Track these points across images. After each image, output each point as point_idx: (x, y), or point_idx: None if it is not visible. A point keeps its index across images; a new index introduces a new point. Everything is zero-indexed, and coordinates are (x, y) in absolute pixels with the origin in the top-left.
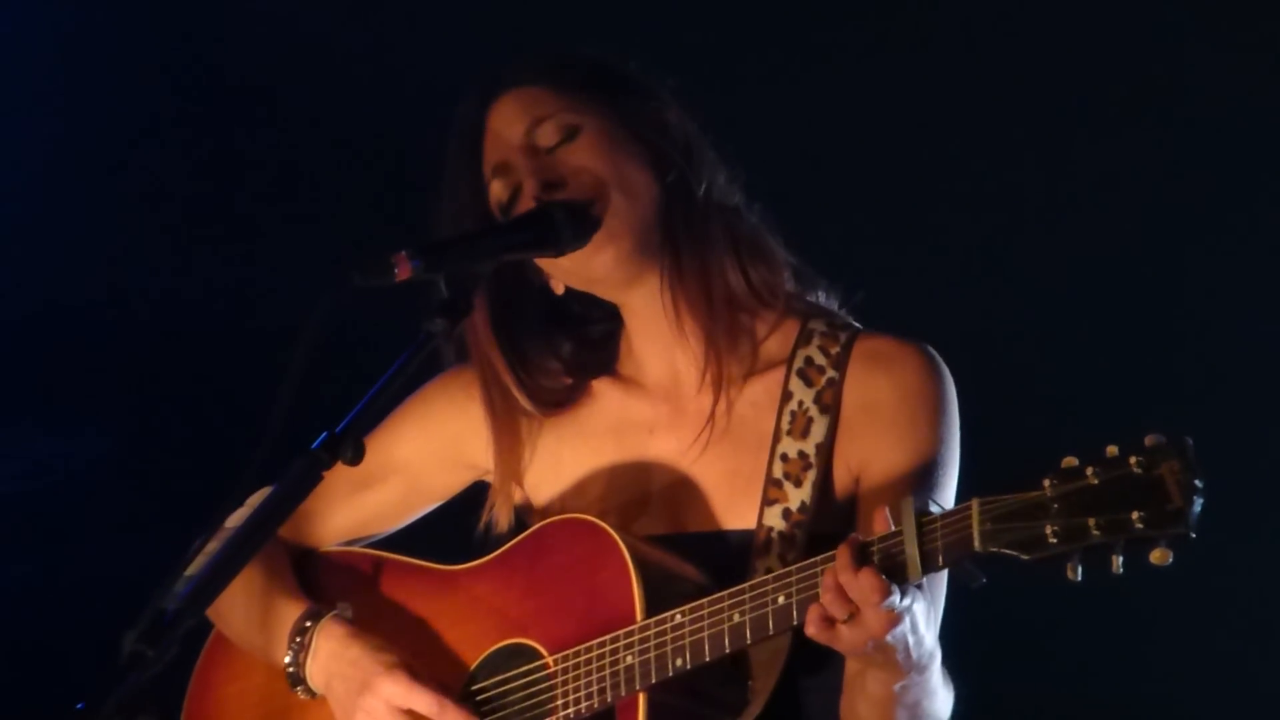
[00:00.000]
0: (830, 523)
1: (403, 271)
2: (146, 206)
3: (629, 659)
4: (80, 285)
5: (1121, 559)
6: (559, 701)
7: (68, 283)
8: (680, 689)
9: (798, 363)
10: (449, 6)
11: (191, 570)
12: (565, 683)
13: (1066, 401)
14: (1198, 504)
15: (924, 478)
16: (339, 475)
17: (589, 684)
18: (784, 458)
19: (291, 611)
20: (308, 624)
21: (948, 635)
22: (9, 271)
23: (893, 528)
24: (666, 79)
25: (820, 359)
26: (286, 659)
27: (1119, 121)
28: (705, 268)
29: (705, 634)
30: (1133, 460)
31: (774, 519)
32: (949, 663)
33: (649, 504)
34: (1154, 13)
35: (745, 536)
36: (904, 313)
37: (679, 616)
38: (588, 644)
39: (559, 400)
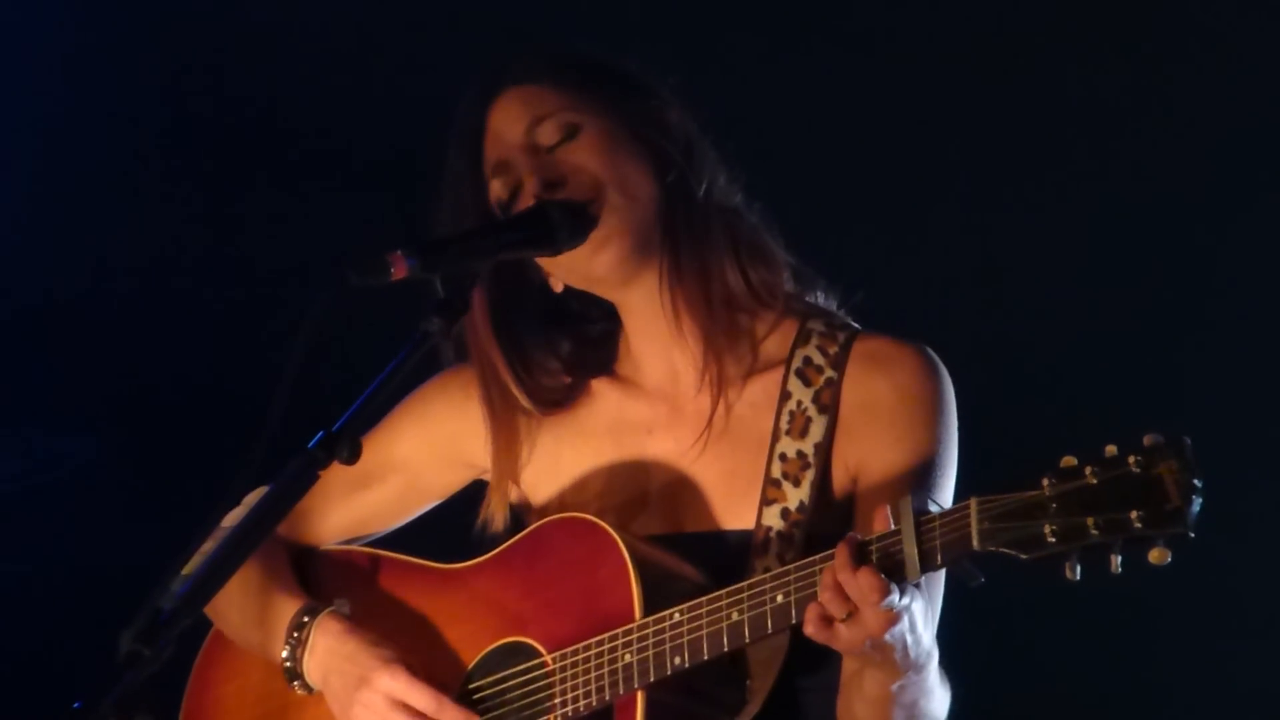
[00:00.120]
0: (828, 522)
1: (398, 270)
2: (145, 206)
3: (627, 657)
4: (76, 284)
5: (1120, 558)
6: (557, 700)
7: (64, 282)
8: (679, 688)
9: (796, 362)
10: (450, 6)
11: (188, 569)
12: (564, 681)
13: (1065, 401)
14: (1196, 504)
15: (922, 478)
16: (337, 474)
17: (587, 682)
18: (782, 457)
19: (289, 607)
20: (305, 619)
21: (945, 635)
22: (4, 270)
23: (892, 527)
24: (668, 78)
25: (819, 359)
26: (284, 654)
27: (1119, 121)
28: (704, 268)
29: (704, 633)
30: (1131, 460)
31: (772, 519)
32: (946, 662)
33: (647, 504)
34: (1155, 12)
35: (744, 536)
36: (902, 313)
37: (677, 615)
38: (586, 642)
39: (557, 399)
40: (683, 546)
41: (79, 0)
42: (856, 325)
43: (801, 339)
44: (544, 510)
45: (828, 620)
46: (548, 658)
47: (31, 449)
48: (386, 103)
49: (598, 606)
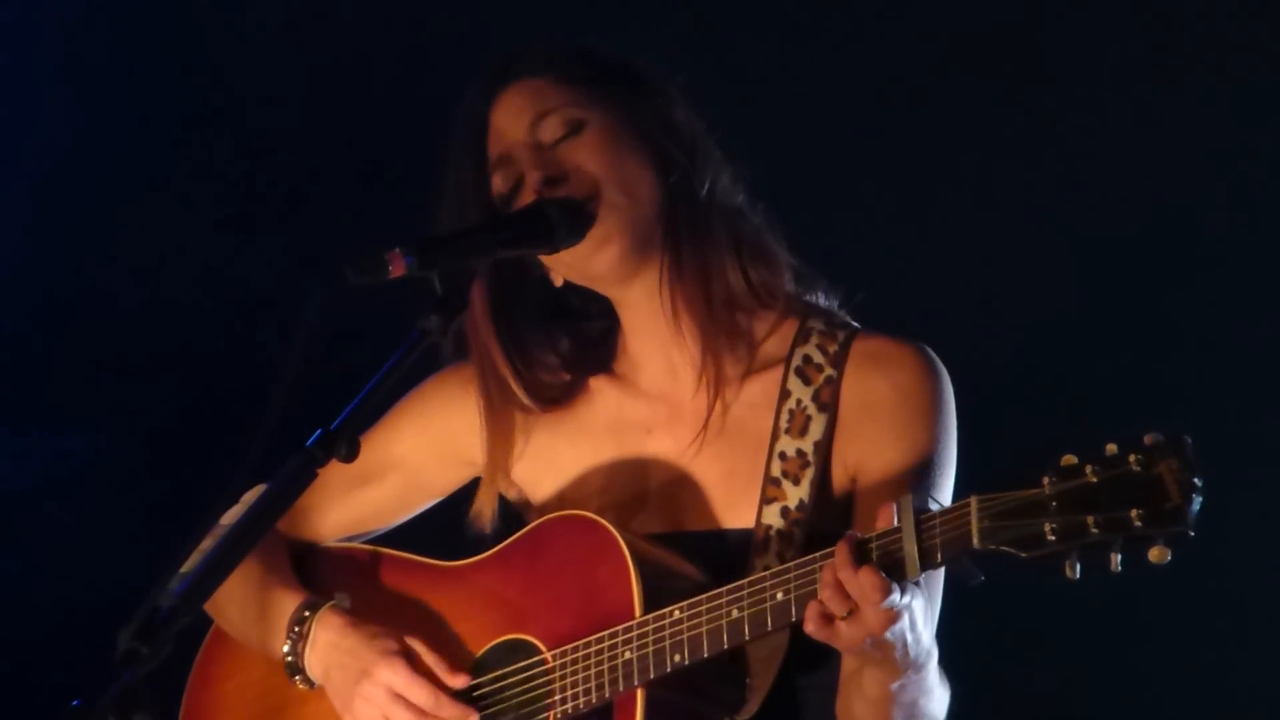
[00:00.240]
0: (828, 521)
1: (396, 268)
2: (144, 206)
3: (627, 654)
4: (76, 283)
5: (1120, 557)
6: (557, 696)
7: (64, 281)
8: (678, 685)
9: (796, 361)
10: (452, 4)
11: (186, 567)
12: (564, 678)
13: (1065, 400)
14: (1196, 502)
15: (921, 476)
16: (337, 471)
17: (587, 679)
18: (782, 456)
19: (290, 603)
20: (306, 614)
21: (944, 634)
22: (6, 270)
23: (894, 524)
24: (675, 75)
25: (818, 357)
26: (285, 649)
27: (1120, 119)
28: (705, 268)
29: (704, 630)
30: (1132, 458)
31: (772, 517)
32: (945, 661)
33: (647, 502)
34: (1154, 11)
35: (744, 535)
36: (902, 312)
37: (677, 612)
38: (586, 639)
39: (555, 396)
40: (683, 545)
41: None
42: (856, 324)
43: (801, 337)
44: (544, 508)
45: (828, 618)
46: (548, 655)
47: (34, 446)
48: (389, 100)
49: (598, 604)
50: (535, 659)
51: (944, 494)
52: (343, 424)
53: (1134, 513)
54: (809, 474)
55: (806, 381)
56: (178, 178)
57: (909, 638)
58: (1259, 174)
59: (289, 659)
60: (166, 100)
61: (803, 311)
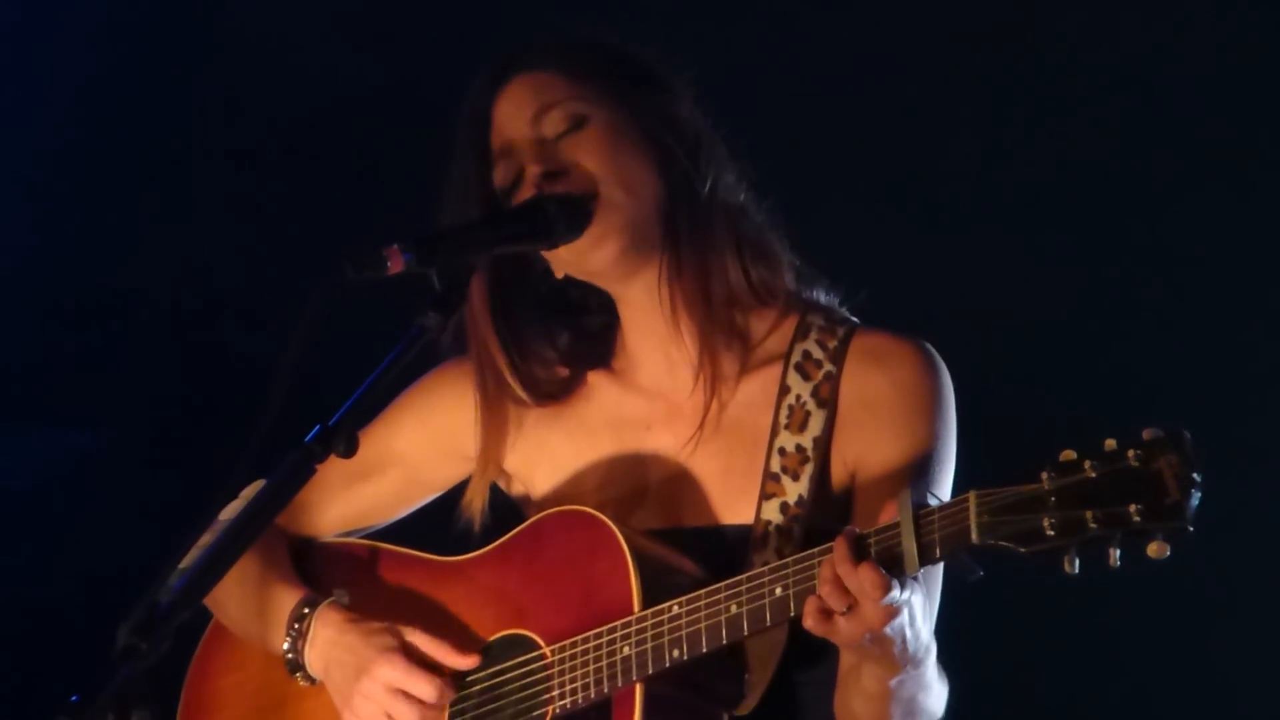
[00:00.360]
0: (827, 517)
1: (395, 265)
2: (145, 204)
3: (626, 650)
4: (76, 281)
5: (1119, 552)
6: (556, 692)
7: (65, 278)
8: (677, 681)
9: (795, 357)
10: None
11: (186, 563)
12: (562, 673)
13: (1064, 395)
14: (1195, 497)
15: (920, 472)
16: (336, 466)
17: (586, 675)
18: (781, 452)
19: (289, 599)
20: (305, 610)
21: (943, 629)
22: (7, 267)
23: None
24: (683, 70)
25: (818, 353)
26: (285, 645)
27: (1122, 115)
28: (705, 267)
29: (702, 625)
30: (1130, 454)
31: (772, 513)
32: (944, 657)
33: (646, 499)
34: (1159, 7)
35: (742, 531)
36: (901, 309)
37: (676, 608)
38: (585, 635)
39: (553, 391)
40: (681, 541)
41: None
42: (855, 320)
43: (800, 334)
44: (542, 503)
45: (827, 613)
46: (546, 650)
47: (34, 443)
48: (389, 97)
49: (597, 599)
50: (534, 654)
51: (943, 489)
52: (341, 420)
53: (1133, 508)
54: (808, 470)
55: (806, 377)
56: (179, 176)
57: (908, 633)
58: (1260, 170)
59: (289, 656)
60: (168, 100)
61: (803, 308)
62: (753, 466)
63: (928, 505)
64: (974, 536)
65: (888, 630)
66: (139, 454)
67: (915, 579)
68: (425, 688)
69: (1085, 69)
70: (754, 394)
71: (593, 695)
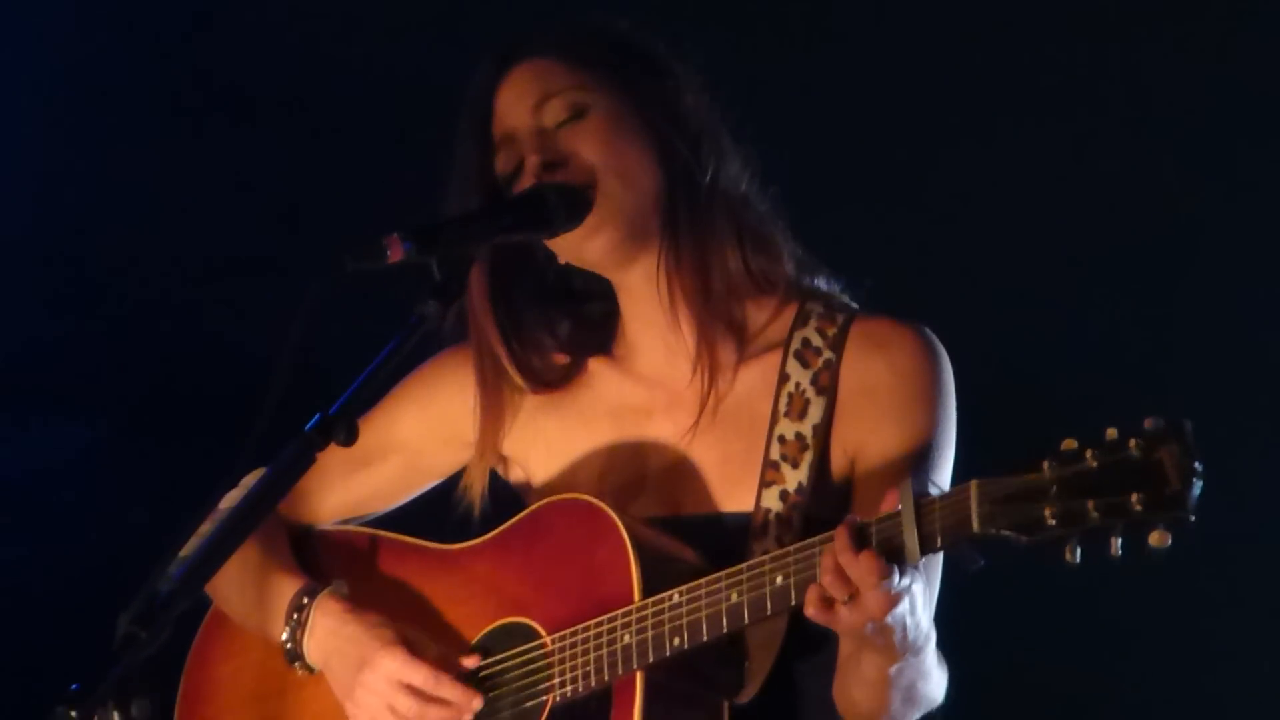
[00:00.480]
0: (827, 505)
1: (395, 254)
2: (145, 196)
3: (626, 638)
4: (73, 272)
5: (1120, 541)
6: (556, 680)
7: (61, 268)
8: (678, 669)
9: (794, 344)
10: None
11: (185, 552)
12: (563, 661)
13: (1065, 384)
14: (1197, 487)
15: (920, 459)
16: (337, 453)
17: (586, 663)
18: (781, 439)
19: (289, 588)
20: (305, 600)
21: (942, 617)
22: (7, 259)
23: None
24: (689, 56)
25: (817, 340)
26: (284, 635)
27: (1123, 106)
28: (703, 258)
29: (703, 614)
30: (1132, 443)
31: (771, 500)
32: (943, 644)
33: (645, 486)
34: (1155, 7)
35: (742, 519)
36: (903, 295)
37: (677, 596)
38: (585, 623)
39: (552, 379)
40: (681, 529)
41: None
42: (855, 306)
43: (800, 321)
44: (542, 491)
45: (828, 602)
46: (547, 638)
47: (34, 434)
48: (391, 82)
49: (597, 588)
50: (534, 643)
51: (943, 476)
52: (341, 408)
53: (1134, 497)
54: (808, 457)
55: (805, 365)
56: (177, 165)
57: (909, 621)
58: (1260, 163)
59: (288, 646)
60: (163, 90)
61: (803, 295)
62: (752, 454)
63: (929, 494)
64: (975, 526)
65: (889, 619)
66: (137, 444)
67: (916, 567)
68: (425, 677)
69: (1088, 53)
70: (754, 382)
71: (593, 684)
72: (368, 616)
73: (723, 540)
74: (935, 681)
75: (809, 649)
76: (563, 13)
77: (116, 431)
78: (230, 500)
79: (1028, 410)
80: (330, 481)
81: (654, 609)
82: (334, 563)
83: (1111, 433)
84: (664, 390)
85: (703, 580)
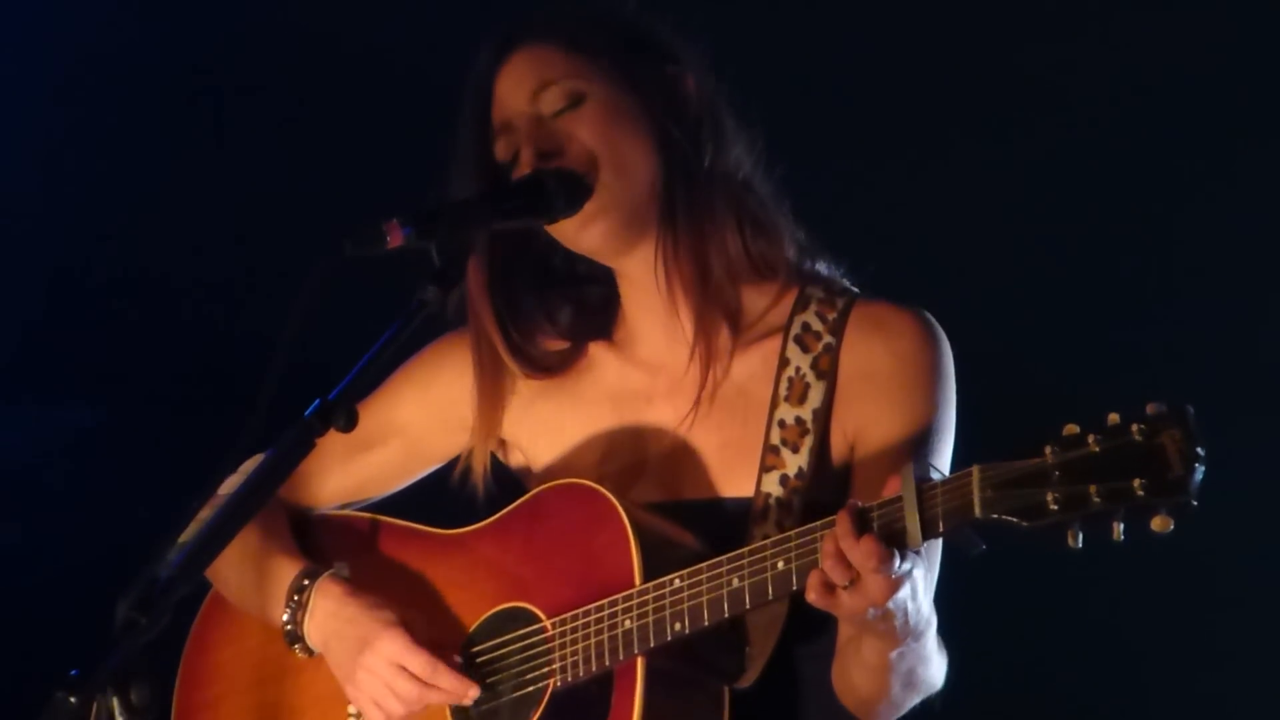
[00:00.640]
0: (827, 490)
1: (394, 239)
2: (146, 179)
3: (627, 623)
4: (71, 256)
5: (1122, 526)
6: (557, 665)
7: (63, 253)
8: (678, 654)
9: (795, 329)
10: None
11: (185, 537)
12: (563, 646)
13: (1068, 368)
14: (1199, 472)
15: (920, 444)
16: (337, 437)
17: (587, 648)
18: (781, 424)
19: (289, 571)
20: (305, 582)
21: (942, 602)
22: (6, 243)
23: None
24: (692, 40)
25: (817, 325)
26: (284, 618)
27: (1124, 96)
28: (702, 245)
29: (704, 599)
30: (1134, 428)
31: (772, 485)
32: (943, 629)
33: (646, 471)
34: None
35: (742, 504)
36: (903, 279)
37: (677, 581)
38: (586, 608)
39: (551, 365)
40: (681, 514)
41: None
42: (855, 290)
43: (800, 305)
44: (543, 476)
45: (829, 587)
46: (547, 623)
47: (33, 418)
48: (392, 69)
49: (597, 572)
50: (534, 627)
51: (943, 461)
52: (341, 394)
53: (1136, 482)
54: (808, 442)
55: (805, 349)
56: (176, 150)
57: (909, 606)
58: (1260, 152)
59: (288, 628)
60: (165, 75)
61: (803, 280)
62: (753, 439)
63: (930, 479)
64: (977, 511)
65: (890, 604)
66: (136, 430)
67: (917, 552)
68: (426, 664)
69: (1089, 42)
70: (754, 367)
71: (594, 668)
72: (368, 599)
73: (723, 525)
74: (935, 666)
75: (810, 634)
76: None
77: (115, 415)
78: (230, 486)
79: (1029, 395)
80: (330, 466)
81: (655, 594)
82: (335, 547)
83: (1114, 417)
84: (664, 375)
85: (703, 565)
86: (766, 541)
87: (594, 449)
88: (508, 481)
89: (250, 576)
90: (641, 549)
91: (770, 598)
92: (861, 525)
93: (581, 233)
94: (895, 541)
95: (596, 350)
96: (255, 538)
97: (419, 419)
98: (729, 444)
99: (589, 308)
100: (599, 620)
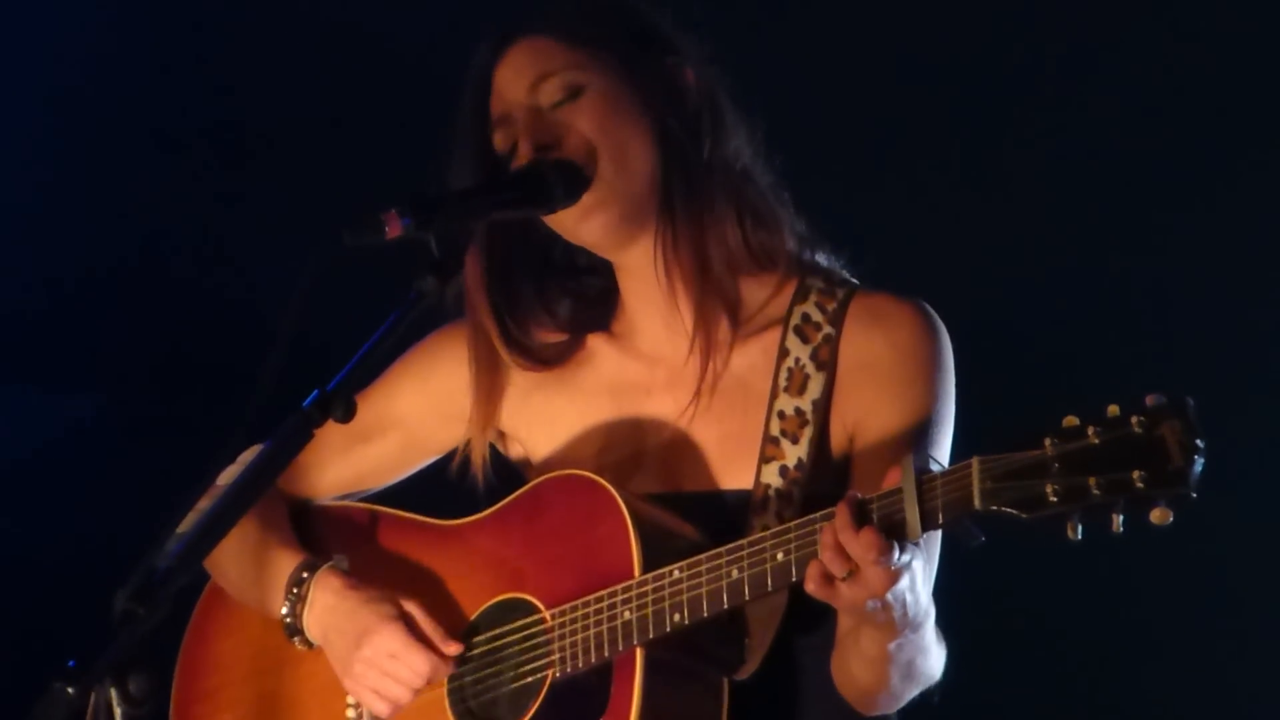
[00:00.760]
0: (826, 481)
1: (393, 229)
2: (144, 168)
3: (626, 614)
4: (69, 246)
5: (1122, 518)
6: (556, 656)
7: (56, 244)
8: (678, 645)
9: (794, 319)
10: None
11: (183, 528)
12: (562, 637)
13: (1067, 360)
14: (1198, 464)
15: (920, 436)
16: (336, 429)
17: (586, 639)
18: (781, 415)
19: (288, 563)
20: (304, 575)
21: (941, 593)
22: (3, 233)
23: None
24: (692, 32)
25: (817, 315)
26: (283, 610)
27: (1125, 87)
28: (701, 236)
29: (703, 590)
30: (1134, 420)
31: (771, 476)
32: (942, 621)
33: (645, 463)
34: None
35: (742, 496)
36: (903, 271)
37: (677, 572)
38: (585, 599)
39: (548, 358)
40: (681, 506)
41: None
42: (855, 281)
43: (800, 296)
44: (542, 467)
45: (829, 578)
46: (546, 614)
47: (30, 408)
48: (393, 57)
49: (597, 563)
50: (534, 618)
51: (942, 452)
52: (339, 385)
53: (1136, 474)
54: (808, 433)
55: (805, 340)
56: (176, 138)
57: (908, 598)
58: (1261, 147)
59: (287, 620)
60: (164, 60)
61: (803, 271)
62: (752, 430)
63: (930, 471)
64: (976, 502)
65: (889, 595)
66: (133, 419)
67: (916, 543)
68: (422, 658)
69: (1091, 36)
70: (754, 358)
71: (593, 659)
72: (367, 591)
73: (723, 516)
74: (934, 657)
75: (809, 625)
76: None
77: (111, 407)
78: (228, 476)
79: (1029, 387)
80: (329, 457)
81: (654, 585)
82: (334, 538)
83: (1113, 409)
84: (663, 367)
85: (703, 556)
86: (766, 533)
87: (593, 441)
88: (507, 473)
89: (249, 568)
90: (641, 540)
91: (769, 589)
92: (861, 517)
93: (581, 224)
94: (895, 533)
95: (595, 342)
96: (254, 529)
97: (418, 410)
98: (729, 435)
99: (587, 300)
100: (598, 611)
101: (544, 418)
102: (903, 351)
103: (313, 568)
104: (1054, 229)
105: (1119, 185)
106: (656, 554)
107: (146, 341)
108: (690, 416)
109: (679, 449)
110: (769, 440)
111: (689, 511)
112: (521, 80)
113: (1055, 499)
